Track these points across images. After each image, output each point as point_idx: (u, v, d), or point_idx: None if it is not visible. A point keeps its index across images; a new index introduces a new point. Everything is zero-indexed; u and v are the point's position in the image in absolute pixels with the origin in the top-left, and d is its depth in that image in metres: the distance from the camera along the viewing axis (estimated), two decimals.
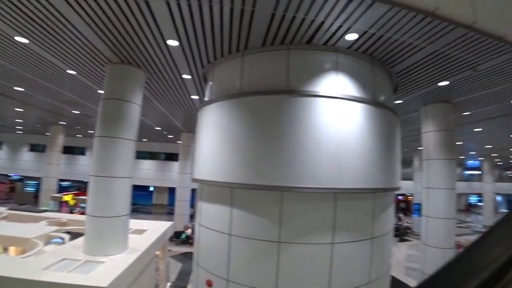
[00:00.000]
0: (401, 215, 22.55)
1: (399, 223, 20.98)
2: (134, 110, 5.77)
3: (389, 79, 5.44)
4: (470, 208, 34.37)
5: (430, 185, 7.20)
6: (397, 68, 5.28)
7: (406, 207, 28.76)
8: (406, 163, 26.14)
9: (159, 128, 15.94)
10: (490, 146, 16.87)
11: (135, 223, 7.35)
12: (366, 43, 4.44)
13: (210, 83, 5.68)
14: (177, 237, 14.70)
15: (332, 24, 3.97)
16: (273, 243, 4.22)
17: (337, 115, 4.30)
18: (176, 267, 11.60)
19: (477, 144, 16.03)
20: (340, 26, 4.02)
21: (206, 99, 5.80)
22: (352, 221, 4.39)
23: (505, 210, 31.90)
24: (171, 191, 24.62)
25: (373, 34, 4.16)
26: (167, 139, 21.18)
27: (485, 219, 24.16)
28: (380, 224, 4.74)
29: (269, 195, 4.29)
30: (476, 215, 29.74)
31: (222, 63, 5.28)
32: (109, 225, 5.27)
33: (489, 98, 6.99)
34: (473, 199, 35.47)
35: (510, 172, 31.64)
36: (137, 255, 5.32)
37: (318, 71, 4.55)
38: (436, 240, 7.08)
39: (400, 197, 31.28)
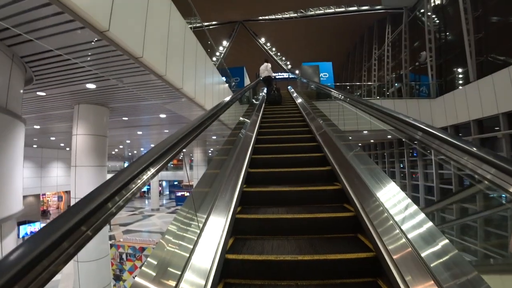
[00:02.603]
0: None
1: None
2: None
3: (11, 63, 3.82)
4: (144, 194, 37.49)
5: (77, 195, 6.35)
6: (24, 50, 3.79)
7: None
8: None
9: None
10: (153, 145, 19.77)
11: None
12: None
13: None
14: None
15: None
16: None
17: None
18: None
19: (148, 141, 18.09)
20: None
21: None
22: None
23: (168, 192, 39.72)
24: None
25: None
26: None
27: (153, 203, 28.10)
28: None
29: None
30: (148, 199, 33.18)
31: None
32: None
33: (143, 109, 7.44)
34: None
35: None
36: None
37: None
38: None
39: None
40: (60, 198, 27.81)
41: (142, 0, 3.88)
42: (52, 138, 13.93)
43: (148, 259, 1.26)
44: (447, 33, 13.18)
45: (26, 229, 14.89)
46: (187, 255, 1.51)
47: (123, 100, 6.37)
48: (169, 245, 1.44)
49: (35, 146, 18.09)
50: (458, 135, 10.53)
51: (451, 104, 10.58)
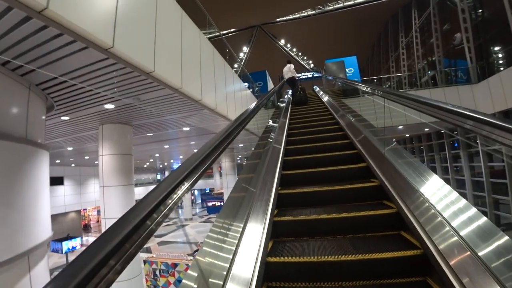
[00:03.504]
0: None
1: None
2: None
3: (28, 92, 3.80)
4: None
5: (107, 215, 6.38)
6: (38, 78, 3.74)
7: None
8: None
9: None
10: (182, 157, 20.07)
11: None
12: None
13: None
14: None
15: None
16: None
17: None
18: None
19: (177, 153, 18.34)
20: None
21: None
22: None
23: (200, 201, 40.23)
24: None
25: None
26: None
27: (185, 213, 28.34)
28: None
29: None
30: (181, 209, 32.75)
31: None
32: None
33: (166, 124, 7.35)
34: None
35: None
36: None
37: None
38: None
39: None
40: (99, 212, 29.13)
41: (148, 12, 3.67)
42: (86, 157, 14.51)
43: (189, 271, 1.24)
44: (484, 10, 11.93)
45: (68, 244, 15.58)
46: (228, 262, 1.50)
47: (145, 117, 6.29)
48: (210, 252, 1.42)
49: (73, 165, 19.05)
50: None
51: (498, 88, 9.45)
